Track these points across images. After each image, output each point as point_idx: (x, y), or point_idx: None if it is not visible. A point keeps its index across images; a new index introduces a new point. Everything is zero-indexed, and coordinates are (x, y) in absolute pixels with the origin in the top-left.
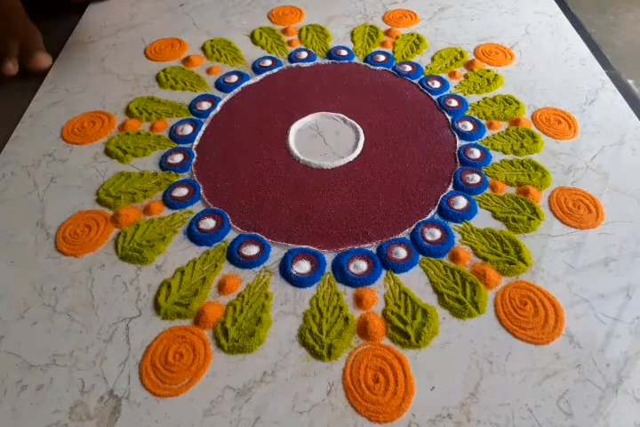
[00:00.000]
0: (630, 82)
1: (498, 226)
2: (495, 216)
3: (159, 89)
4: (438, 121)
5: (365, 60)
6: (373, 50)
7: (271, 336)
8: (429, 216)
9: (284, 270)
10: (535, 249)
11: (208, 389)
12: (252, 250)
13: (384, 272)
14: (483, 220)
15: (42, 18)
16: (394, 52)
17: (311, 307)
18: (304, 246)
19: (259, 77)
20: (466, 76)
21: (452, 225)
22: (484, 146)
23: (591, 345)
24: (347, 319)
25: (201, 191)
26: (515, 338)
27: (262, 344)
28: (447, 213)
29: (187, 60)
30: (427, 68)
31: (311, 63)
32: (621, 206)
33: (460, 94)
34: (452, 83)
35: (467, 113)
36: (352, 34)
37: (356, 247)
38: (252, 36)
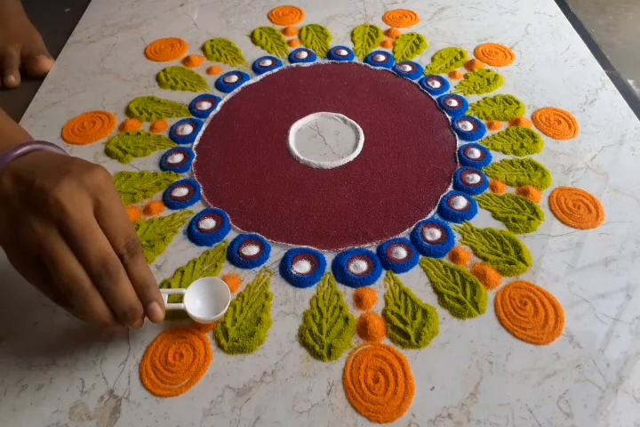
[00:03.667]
0: (630, 82)
1: (498, 226)
2: (495, 216)
3: (159, 89)
4: (438, 121)
5: (365, 60)
6: (373, 50)
7: (271, 336)
8: (429, 216)
9: (284, 270)
10: (535, 249)
11: (208, 389)
12: (251, 250)
13: (384, 272)
14: (483, 220)
15: (42, 18)
16: (394, 52)
17: (311, 307)
18: (304, 246)
19: (259, 77)
20: (466, 76)
21: (452, 225)
22: (484, 146)
23: (591, 345)
24: (347, 319)
25: (201, 191)
26: (515, 338)
27: (262, 344)
28: (447, 213)
29: (187, 60)
30: (427, 68)
31: (311, 63)
32: (621, 206)
33: (460, 94)
34: (452, 83)
35: (467, 113)
36: (352, 34)
37: (356, 247)
38: (252, 36)
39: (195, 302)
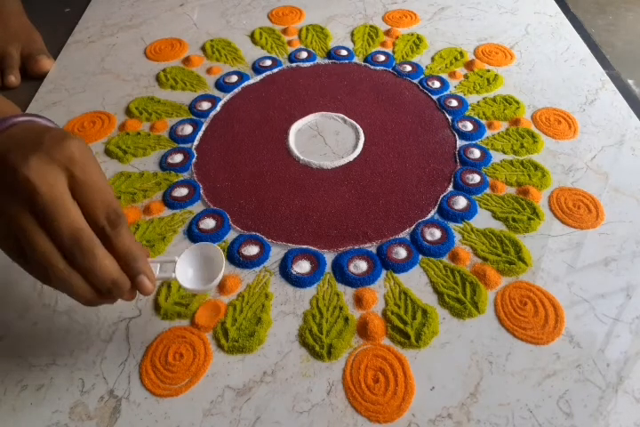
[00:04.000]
0: (630, 82)
1: (498, 226)
2: (495, 216)
3: (159, 89)
4: (438, 121)
5: (365, 60)
6: (373, 50)
7: (271, 336)
8: (429, 216)
9: (284, 270)
10: (535, 249)
11: (208, 389)
12: (251, 250)
13: (384, 272)
14: (483, 220)
15: (42, 18)
16: (394, 52)
17: (311, 307)
18: (304, 246)
19: (259, 77)
20: (466, 76)
21: (452, 225)
22: (484, 146)
23: (591, 345)
24: (347, 319)
25: (201, 191)
26: (515, 338)
27: (262, 344)
28: (447, 213)
29: (187, 60)
30: (427, 68)
31: (311, 63)
32: (621, 206)
33: (460, 94)
34: (452, 83)
35: (467, 113)
36: (352, 34)
37: (356, 247)
38: (252, 36)
39: (187, 272)
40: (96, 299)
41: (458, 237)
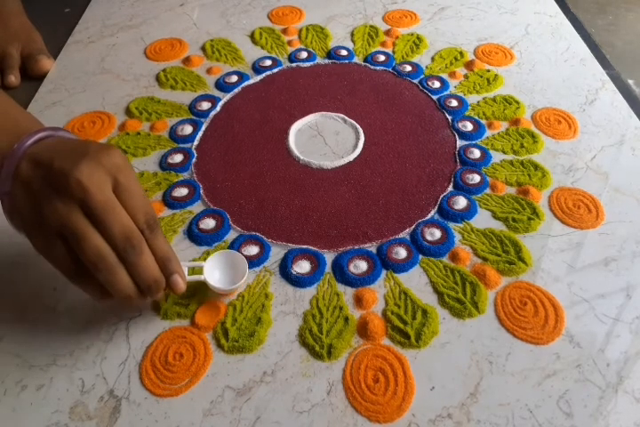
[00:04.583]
0: (630, 82)
1: (498, 226)
2: (495, 216)
3: (159, 89)
4: (438, 121)
5: (365, 60)
6: (373, 50)
7: (271, 336)
8: (429, 216)
9: (284, 270)
10: (535, 249)
11: (208, 389)
12: (251, 250)
13: (384, 272)
14: (483, 220)
15: (42, 18)
16: (394, 52)
17: (311, 307)
18: (304, 246)
19: (259, 77)
20: (466, 76)
21: (452, 225)
22: (484, 146)
23: (591, 345)
24: (347, 319)
25: (201, 191)
26: (515, 338)
27: (262, 344)
28: (447, 213)
29: (187, 60)
30: (427, 68)
31: (311, 63)
32: (621, 206)
33: (460, 94)
34: (452, 83)
35: (467, 113)
36: (352, 34)
37: (356, 247)
38: (252, 36)
39: (213, 274)
40: (134, 295)
41: (458, 237)
